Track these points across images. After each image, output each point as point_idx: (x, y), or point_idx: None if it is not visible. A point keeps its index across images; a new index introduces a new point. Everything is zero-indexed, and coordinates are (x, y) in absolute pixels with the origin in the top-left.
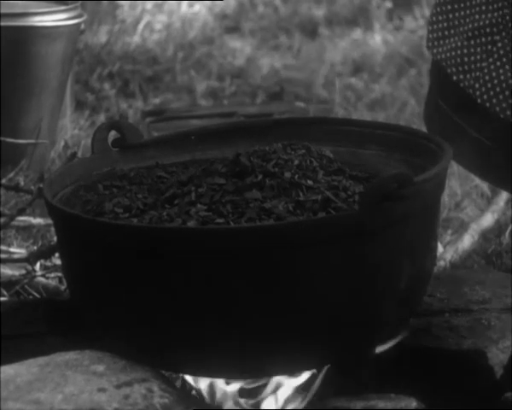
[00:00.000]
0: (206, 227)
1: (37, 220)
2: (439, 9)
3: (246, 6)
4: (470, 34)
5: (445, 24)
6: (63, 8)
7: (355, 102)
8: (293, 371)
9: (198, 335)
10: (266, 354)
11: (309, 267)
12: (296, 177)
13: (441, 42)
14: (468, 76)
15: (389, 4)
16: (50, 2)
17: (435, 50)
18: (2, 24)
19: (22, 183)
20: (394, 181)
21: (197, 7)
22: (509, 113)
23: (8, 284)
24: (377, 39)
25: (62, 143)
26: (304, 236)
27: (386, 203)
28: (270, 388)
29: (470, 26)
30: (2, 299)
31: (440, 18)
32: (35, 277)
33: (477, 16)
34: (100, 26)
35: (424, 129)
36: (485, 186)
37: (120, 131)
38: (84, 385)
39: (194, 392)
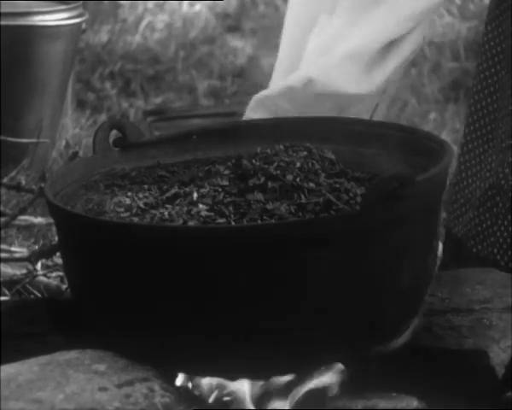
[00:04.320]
0: (207, 226)
1: (39, 220)
2: (456, 188)
3: (247, 5)
4: (478, 203)
5: (462, 200)
6: (64, 7)
7: None
8: (292, 372)
9: (200, 334)
10: (267, 353)
11: (310, 267)
12: (298, 179)
13: (460, 219)
14: (484, 244)
15: None
16: (52, 1)
17: (456, 229)
18: (4, 23)
19: (23, 182)
20: (395, 181)
21: (198, 6)
22: None
23: (10, 283)
24: None
25: (63, 143)
26: (305, 235)
27: (387, 203)
28: (271, 387)
29: (478, 195)
30: (4, 298)
31: (458, 196)
32: (36, 276)
33: (482, 184)
34: (101, 26)
35: (424, 127)
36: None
37: (122, 130)
38: (86, 384)
39: (195, 391)
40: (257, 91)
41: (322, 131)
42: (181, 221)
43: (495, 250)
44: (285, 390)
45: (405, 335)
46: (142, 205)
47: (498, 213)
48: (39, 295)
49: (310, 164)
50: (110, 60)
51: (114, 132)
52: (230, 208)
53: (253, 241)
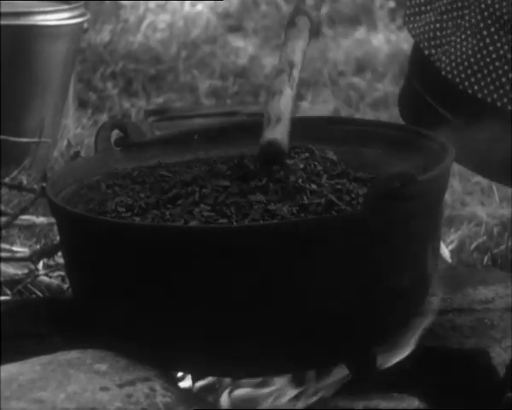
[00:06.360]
0: (209, 226)
1: (40, 219)
2: None
3: (248, 5)
4: (443, 9)
5: (423, 0)
6: (66, 7)
7: (358, 102)
8: (293, 372)
9: (200, 334)
10: (268, 353)
11: (311, 267)
12: (300, 181)
13: (417, 17)
14: (438, 50)
15: (392, 4)
16: (53, 1)
17: (411, 25)
18: (5, 23)
19: (25, 182)
20: (397, 180)
21: (200, 6)
22: (467, 84)
23: (11, 282)
24: (380, 38)
25: (65, 143)
26: (307, 235)
27: (389, 203)
28: (270, 387)
29: (444, 1)
30: (5, 298)
31: None
32: (38, 276)
33: None
34: (103, 26)
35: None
36: (484, 183)
37: (123, 130)
38: (87, 384)
39: (195, 391)
40: (258, 91)
41: (323, 132)
42: (182, 221)
43: (443, 57)
44: (286, 390)
45: (416, 338)
46: (143, 205)
47: (461, 25)
48: (41, 294)
49: (312, 165)
50: (112, 60)
51: (116, 132)
52: (232, 209)
53: (254, 241)
